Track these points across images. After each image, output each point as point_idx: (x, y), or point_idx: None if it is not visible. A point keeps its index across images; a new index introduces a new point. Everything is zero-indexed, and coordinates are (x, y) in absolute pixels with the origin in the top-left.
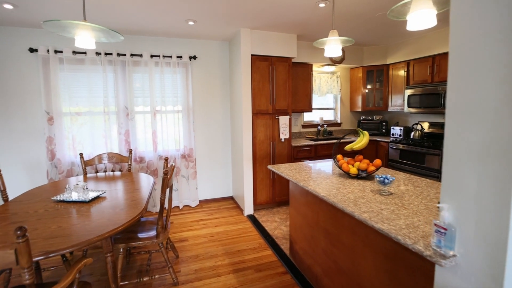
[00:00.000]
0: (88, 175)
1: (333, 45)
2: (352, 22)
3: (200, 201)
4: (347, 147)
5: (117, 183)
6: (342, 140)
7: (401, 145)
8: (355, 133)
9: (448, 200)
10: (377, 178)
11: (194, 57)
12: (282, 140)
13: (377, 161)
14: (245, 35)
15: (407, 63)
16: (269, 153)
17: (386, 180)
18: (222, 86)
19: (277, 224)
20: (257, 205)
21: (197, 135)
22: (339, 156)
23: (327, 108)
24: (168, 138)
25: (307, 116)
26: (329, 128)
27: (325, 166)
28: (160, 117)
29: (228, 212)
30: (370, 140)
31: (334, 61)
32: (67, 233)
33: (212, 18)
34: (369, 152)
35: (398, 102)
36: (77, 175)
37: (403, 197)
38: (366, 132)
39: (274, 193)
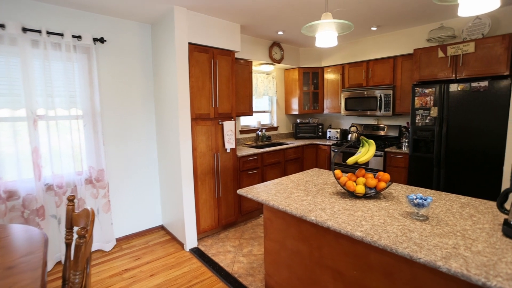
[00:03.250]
0: None
1: (327, 32)
2: (303, 15)
3: (118, 240)
4: (350, 160)
5: None
6: (282, 146)
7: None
8: (356, 142)
9: None
10: (413, 200)
11: (102, 40)
12: (228, 150)
13: (386, 176)
14: (180, 16)
15: (342, 66)
16: (212, 167)
17: (425, 202)
18: (144, 82)
19: (233, 255)
20: (200, 233)
21: (109, 150)
22: (337, 172)
23: (264, 111)
24: (61, 156)
25: (244, 120)
26: (266, 133)
27: (308, 182)
28: (45, 126)
29: (163, 250)
30: (310, 144)
31: (274, 60)
32: None
33: None
34: (309, 156)
35: (333, 104)
36: None
37: (447, 222)
38: (371, 141)
39: (220, 215)
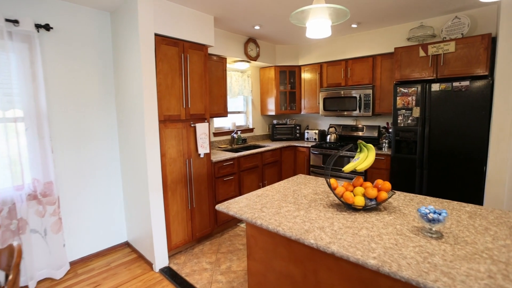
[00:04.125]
0: None
1: (320, 19)
2: (283, 7)
3: (72, 263)
4: (347, 168)
5: None
6: (260, 149)
7: (323, 149)
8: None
9: None
10: (427, 215)
11: (47, 27)
12: (201, 156)
13: (386, 184)
14: (145, 2)
15: (320, 65)
16: (184, 174)
17: (440, 217)
18: (103, 79)
19: (210, 273)
20: (172, 249)
21: (59, 158)
22: (333, 182)
23: (239, 112)
24: None
25: (218, 122)
26: (242, 135)
27: (296, 191)
28: None
29: (128, 272)
30: (288, 146)
31: (249, 57)
32: None
33: None
34: (288, 159)
35: (311, 104)
36: None
37: (464, 239)
38: (371, 146)
39: (194, 227)
